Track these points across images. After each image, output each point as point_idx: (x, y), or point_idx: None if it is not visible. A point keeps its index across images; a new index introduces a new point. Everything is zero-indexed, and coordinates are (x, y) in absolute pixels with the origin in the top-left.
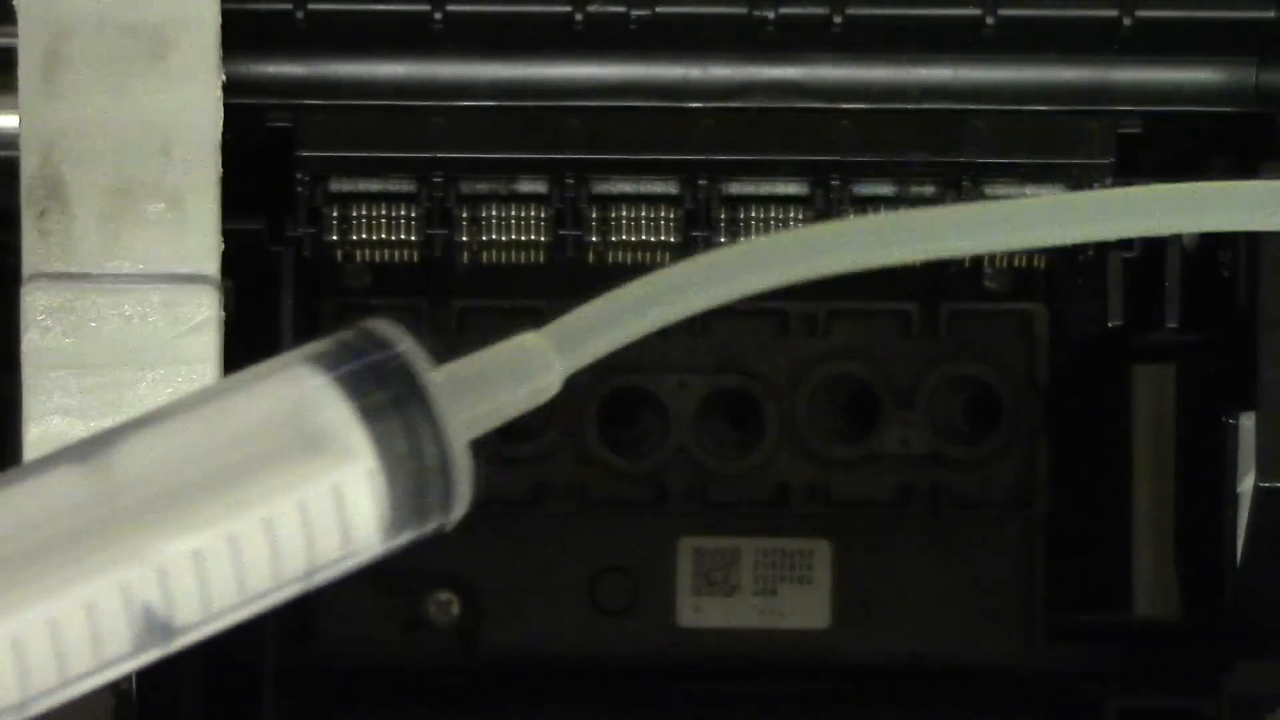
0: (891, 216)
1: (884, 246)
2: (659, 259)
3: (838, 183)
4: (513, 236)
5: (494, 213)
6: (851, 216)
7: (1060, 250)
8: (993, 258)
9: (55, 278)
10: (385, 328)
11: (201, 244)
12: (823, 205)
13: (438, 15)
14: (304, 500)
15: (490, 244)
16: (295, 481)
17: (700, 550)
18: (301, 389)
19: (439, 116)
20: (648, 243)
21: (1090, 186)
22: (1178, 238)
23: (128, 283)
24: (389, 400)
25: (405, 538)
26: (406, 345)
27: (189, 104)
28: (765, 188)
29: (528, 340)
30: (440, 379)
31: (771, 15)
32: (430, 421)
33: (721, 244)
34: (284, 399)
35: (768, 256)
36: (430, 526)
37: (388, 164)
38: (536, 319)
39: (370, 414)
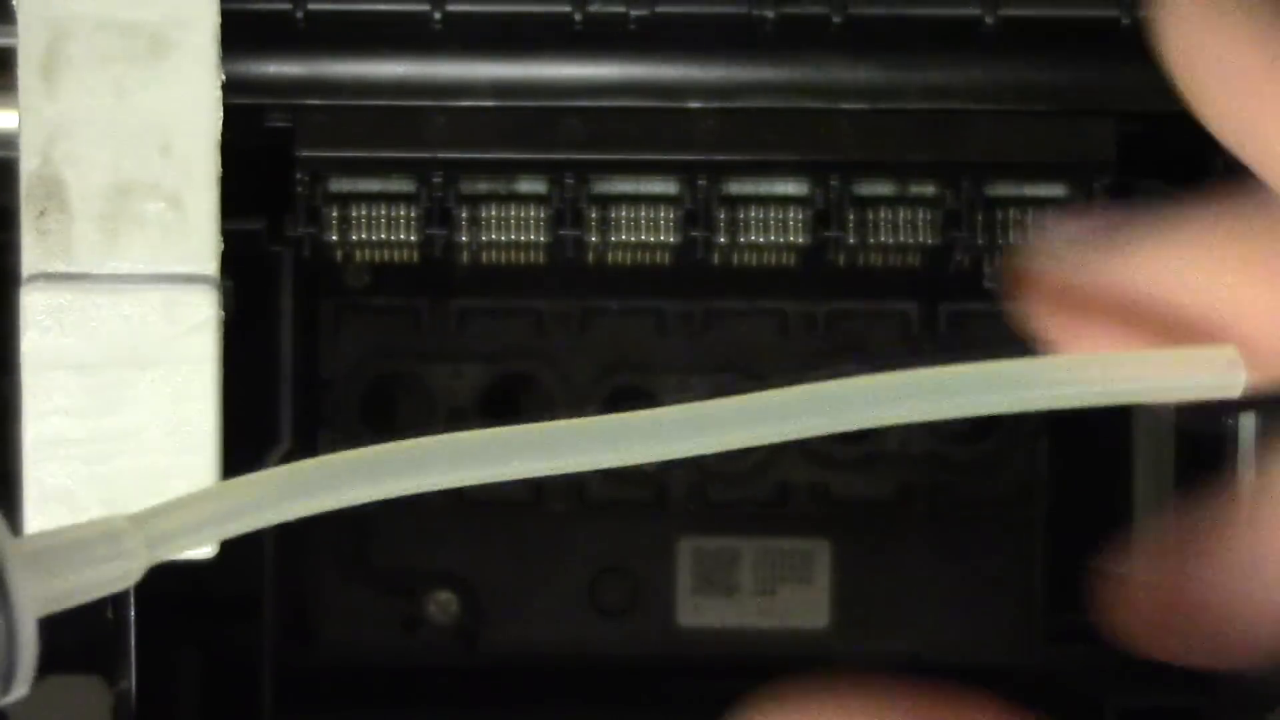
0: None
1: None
2: (659, 259)
3: (837, 183)
4: (512, 236)
5: (494, 213)
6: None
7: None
8: (992, 258)
9: (54, 278)
10: None
11: (201, 244)
12: (822, 205)
13: (437, 15)
14: None
15: (490, 244)
16: None
17: (700, 550)
18: None
19: (439, 116)
20: (647, 243)
21: (1090, 186)
22: None
23: (127, 283)
24: None
25: None
26: None
27: (188, 104)
28: (765, 188)
29: (118, 524)
30: (19, 551)
31: (771, 15)
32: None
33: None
34: None
35: (371, 469)
36: None
37: (387, 164)
38: (536, 319)
39: None
